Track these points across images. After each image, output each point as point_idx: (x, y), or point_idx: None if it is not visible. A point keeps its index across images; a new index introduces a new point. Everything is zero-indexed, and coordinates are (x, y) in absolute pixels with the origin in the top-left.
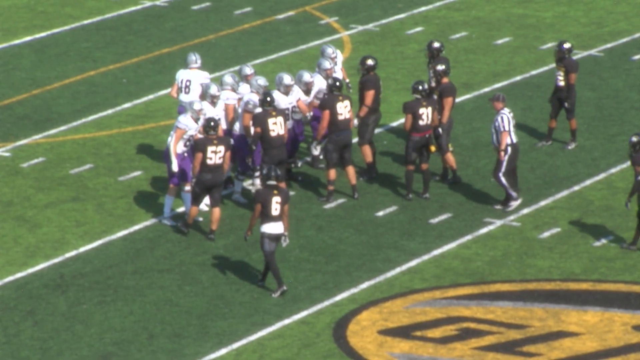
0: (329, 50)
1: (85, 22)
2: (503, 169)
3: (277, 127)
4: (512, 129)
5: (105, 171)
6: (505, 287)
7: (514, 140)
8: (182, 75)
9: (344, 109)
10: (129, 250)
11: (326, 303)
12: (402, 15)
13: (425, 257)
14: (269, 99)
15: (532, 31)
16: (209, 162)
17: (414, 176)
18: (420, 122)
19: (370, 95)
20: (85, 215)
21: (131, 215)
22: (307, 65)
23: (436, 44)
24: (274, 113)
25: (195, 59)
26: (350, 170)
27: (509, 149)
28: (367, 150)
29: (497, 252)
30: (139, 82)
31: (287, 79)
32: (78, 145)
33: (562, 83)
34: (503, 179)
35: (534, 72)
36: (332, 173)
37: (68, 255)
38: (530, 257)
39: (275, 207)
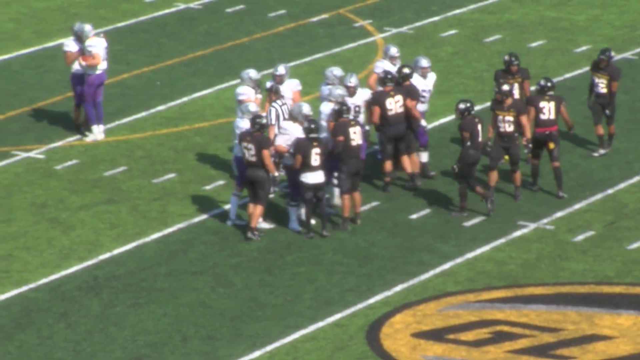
0: (393, 49)
1: (119, 24)
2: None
3: (356, 136)
4: (278, 122)
5: (139, 173)
6: (539, 291)
7: None
8: (96, 43)
9: (394, 104)
10: (163, 252)
11: (359, 306)
12: (435, 18)
13: (459, 260)
14: (345, 107)
15: (565, 34)
16: (244, 157)
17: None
18: (542, 116)
19: None
20: (118, 218)
21: (165, 217)
22: (341, 67)
23: (510, 58)
24: (353, 122)
25: (90, 28)
26: (405, 160)
27: None
28: (413, 159)
29: (531, 255)
30: (172, 84)
31: (353, 79)
32: (112, 148)
33: (604, 90)
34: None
35: (567, 75)
36: (388, 165)
37: (102, 257)
38: (564, 260)
39: (315, 158)
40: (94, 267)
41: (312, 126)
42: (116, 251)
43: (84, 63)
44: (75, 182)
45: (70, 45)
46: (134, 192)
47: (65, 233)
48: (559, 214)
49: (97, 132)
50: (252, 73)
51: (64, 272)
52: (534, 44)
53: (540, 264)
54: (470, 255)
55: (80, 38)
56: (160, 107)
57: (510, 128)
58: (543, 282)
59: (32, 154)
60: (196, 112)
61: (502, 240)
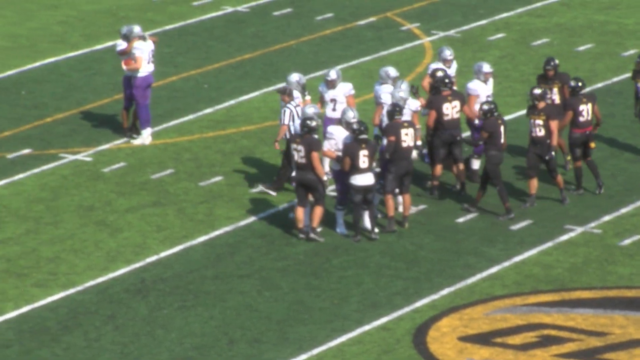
0: (447, 52)
1: (167, 27)
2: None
3: (408, 138)
4: (293, 123)
5: (186, 176)
6: (586, 294)
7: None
8: (142, 46)
9: (450, 109)
10: (210, 255)
11: (406, 309)
12: (483, 22)
13: (506, 263)
14: (398, 109)
15: (613, 38)
16: (293, 159)
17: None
18: (581, 119)
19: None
20: (166, 220)
21: (212, 220)
22: None
23: (554, 63)
24: (405, 124)
25: (139, 30)
26: (459, 167)
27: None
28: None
29: (578, 259)
30: (220, 87)
31: (404, 86)
32: (159, 150)
33: None
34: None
35: (615, 79)
36: (438, 169)
37: (149, 260)
38: (611, 264)
39: (363, 160)
40: (141, 270)
41: (361, 128)
42: (163, 254)
43: (124, 67)
44: (122, 184)
45: (122, 45)
46: (181, 195)
47: (112, 235)
48: (606, 218)
49: (146, 136)
50: (298, 77)
51: (111, 275)
52: (582, 48)
53: (587, 267)
54: (517, 258)
55: (128, 39)
56: (208, 110)
57: (541, 132)
58: (590, 286)
59: (79, 157)
60: (243, 115)
61: (549, 244)
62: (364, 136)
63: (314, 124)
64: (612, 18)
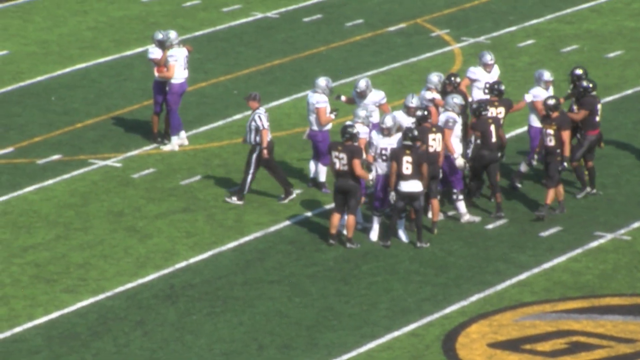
0: (488, 56)
1: (197, 33)
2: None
3: (435, 143)
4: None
5: (215, 182)
6: (616, 301)
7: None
8: (177, 53)
9: (495, 114)
10: (239, 261)
11: (436, 315)
12: (513, 28)
13: (535, 270)
14: (426, 113)
15: None
16: (334, 167)
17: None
18: (597, 118)
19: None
20: (195, 226)
21: (241, 226)
22: (417, 77)
23: (578, 71)
24: (434, 129)
25: (175, 35)
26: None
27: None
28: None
29: (608, 266)
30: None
31: (415, 100)
32: (188, 156)
33: None
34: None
35: None
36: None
37: (178, 266)
38: None
39: (406, 167)
40: (171, 276)
41: (409, 134)
42: (192, 260)
43: (157, 74)
44: (152, 190)
45: (155, 52)
46: (210, 201)
47: (141, 241)
48: (636, 225)
49: (175, 143)
50: (326, 81)
51: (140, 281)
52: (612, 54)
53: (616, 274)
54: (546, 265)
55: (163, 46)
56: (237, 116)
57: (551, 142)
58: (620, 293)
59: (109, 162)
60: (273, 121)
61: (578, 251)
62: (408, 142)
63: (355, 130)
64: None
